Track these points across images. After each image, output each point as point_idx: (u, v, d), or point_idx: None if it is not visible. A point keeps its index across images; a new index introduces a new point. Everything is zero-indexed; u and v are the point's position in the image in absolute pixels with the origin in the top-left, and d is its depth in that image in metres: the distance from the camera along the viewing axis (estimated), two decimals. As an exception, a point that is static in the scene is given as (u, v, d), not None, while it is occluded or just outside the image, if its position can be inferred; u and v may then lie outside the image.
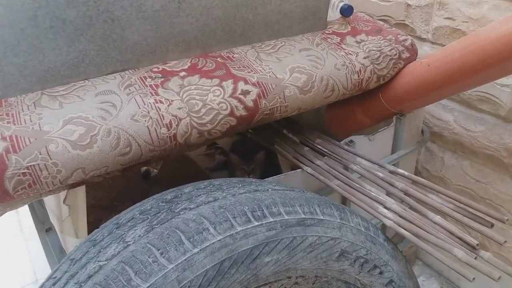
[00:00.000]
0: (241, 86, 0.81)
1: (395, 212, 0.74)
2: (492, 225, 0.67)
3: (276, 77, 0.85)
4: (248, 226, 0.58)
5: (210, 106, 0.77)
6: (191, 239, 0.54)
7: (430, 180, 0.81)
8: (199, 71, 0.83)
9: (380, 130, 1.08)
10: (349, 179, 0.85)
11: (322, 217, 0.65)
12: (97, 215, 1.29)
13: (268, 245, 0.58)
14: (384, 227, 1.23)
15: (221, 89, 0.79)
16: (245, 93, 0.81)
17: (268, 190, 0.66)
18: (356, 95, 1.01)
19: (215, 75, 0.82)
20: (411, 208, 0.74)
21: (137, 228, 0.58)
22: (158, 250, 0.53)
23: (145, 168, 1.41)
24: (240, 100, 0.80)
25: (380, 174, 0.83)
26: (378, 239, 0.72)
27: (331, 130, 1.27)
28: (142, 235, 0.57)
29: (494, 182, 1.19)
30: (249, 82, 0.82)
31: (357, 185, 0.83)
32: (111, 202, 1.32)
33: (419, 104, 1.06)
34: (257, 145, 1.22)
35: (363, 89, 1.00)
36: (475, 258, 0.63)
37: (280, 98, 0.85)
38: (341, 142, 1.01)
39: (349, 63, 0.95)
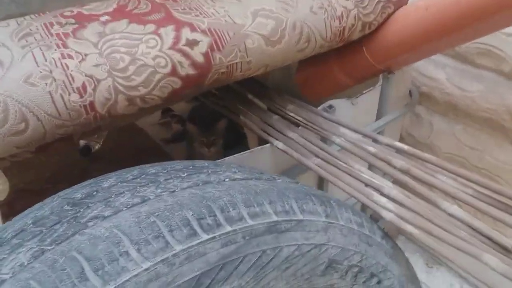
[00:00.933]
0: (186, 34, 0.59)
1: (395, 201, 0.56)
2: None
3: (234, 23, 0.64)
4: (193, 243, 0.38)
5: (142, 62, 0.56)
6: (100, 271, 0.34)
7: (416, 148, 0.63)
8: (128, 14, 0.60)
9: (365, 91, 0.88)
10: (332, 156, 0.66)
11: (301, 217, 0.46)
12: (26, 201, 1.07)
13: (225, 268, 0.39)
14: (364, 208, 1.06)
15: (157, 38, 0.58)
16: (192, 43, 0.59)
17: (224, 181, 0.46)
18: (334, 49, 0.81)
19: (149, 20, 0.59)
20: (417, 194, 0.56)
21: (22, 250, 0.38)
22: (42, 295, 0.32)
23: (84, 142, 1.17)
24: (185, 54, 0.59)
25: (372, 149, 0.64)
26: (374, 238, 0.54)
27: (303, 92, 1.06)
28: (26, 263, 0.36)
29: (491, 149, 1.03)
30: (198, 29, 0.60)
31: (342, 164, 0.64)
32: (42, 184, 1.09)
33: (411, 58, 0.87)
34: (219, 112, 1.01)
35: (345, 40, 0.80)
36: (513, 266, 0.46)
37: (240, 51, 0.64)
38: (318, 108, 0.82)
39: (328, 6, 0.74)
